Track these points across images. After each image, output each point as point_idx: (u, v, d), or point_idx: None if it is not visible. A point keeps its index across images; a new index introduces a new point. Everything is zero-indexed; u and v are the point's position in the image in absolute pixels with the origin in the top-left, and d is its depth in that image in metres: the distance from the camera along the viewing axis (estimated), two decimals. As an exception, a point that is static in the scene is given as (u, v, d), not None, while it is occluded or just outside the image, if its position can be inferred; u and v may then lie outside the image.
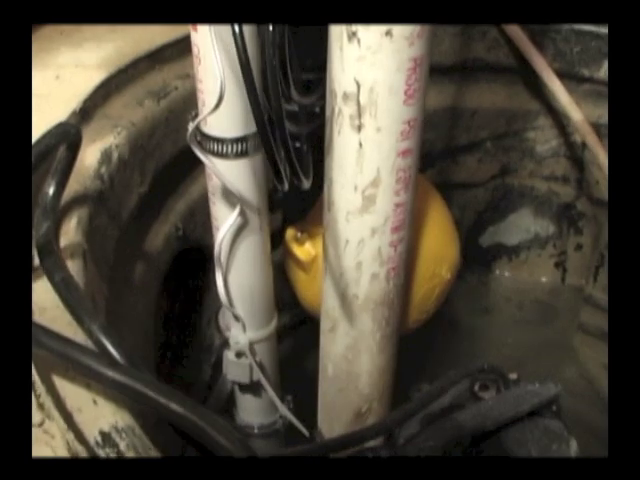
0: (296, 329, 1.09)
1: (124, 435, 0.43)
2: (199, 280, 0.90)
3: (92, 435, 0.43)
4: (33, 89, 0.66)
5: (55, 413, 0.42)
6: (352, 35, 0.56)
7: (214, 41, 0.56)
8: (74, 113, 0.66)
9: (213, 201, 0.71)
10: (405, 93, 0.59)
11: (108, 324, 0.49)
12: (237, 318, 0.80)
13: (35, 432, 0.41)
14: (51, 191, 0.57)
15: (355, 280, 0.70)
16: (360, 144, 0.62)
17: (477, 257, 1.19)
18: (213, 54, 0.56)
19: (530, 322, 1.18)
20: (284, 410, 0.88)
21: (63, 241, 0.57)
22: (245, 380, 0.85)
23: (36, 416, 0.42)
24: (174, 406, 0.39)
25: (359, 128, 0.61)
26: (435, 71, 1.00)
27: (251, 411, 0.92)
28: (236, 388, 0.91)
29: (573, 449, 0.85)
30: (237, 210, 0.69)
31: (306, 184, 0.63)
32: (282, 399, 0.92)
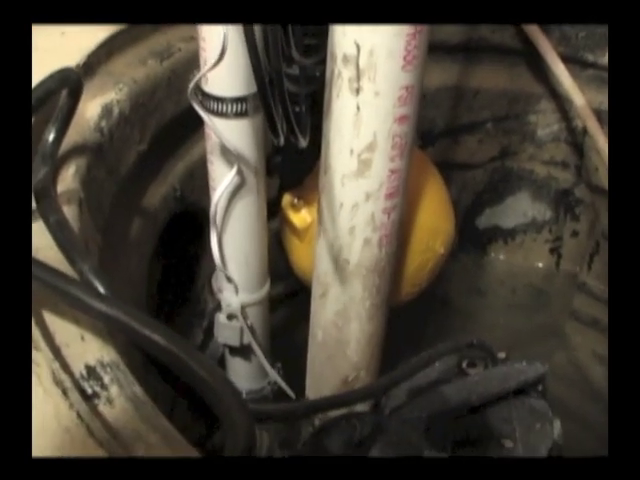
0: (289, 300, 1.10)
1: (109, 370, 0.44)
2: (194, 244, 0.91)
3: (78, 368, 0.44)
4: (37, 43, 0.67)
5: (43, 345, 0.44)
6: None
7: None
8: (77, 67, 0.67)
9: (211, 160, 0.72)
10: (404, 59, 0.60)
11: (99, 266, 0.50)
12: (230, 280, 0.81)
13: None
14: (51, 138, 0.58)
15: (348, 245, 0.71)
16: (358, 107, 0.62)
17: (473, 238, 1.19)
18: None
19: (522, 306, 1.19)
20: (273, 374, 0.89)
21: (60, 188, 0.58)
22: (235, 343, 0.86)
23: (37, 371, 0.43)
24: (157, 337, 0.40)
25: (357, 91, 0.61)
26: (439, 50, 1.01)
27: (240, 376, 0.93)
28: (226, 352, 0.92)
29: (556, 430, 0.86)
30: (234, 170, 0.70)
31: (303, 142, 0.64)
32: (272, 365, 0.94)
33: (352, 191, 0.68)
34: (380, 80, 0.60)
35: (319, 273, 0.77)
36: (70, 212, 0.56)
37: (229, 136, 0.68)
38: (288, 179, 0.84)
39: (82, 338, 0.46)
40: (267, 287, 0.86)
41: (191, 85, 0.62)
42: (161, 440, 0.41)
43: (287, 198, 0.84)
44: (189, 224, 0.88)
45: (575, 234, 1.14)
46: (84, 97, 0.63)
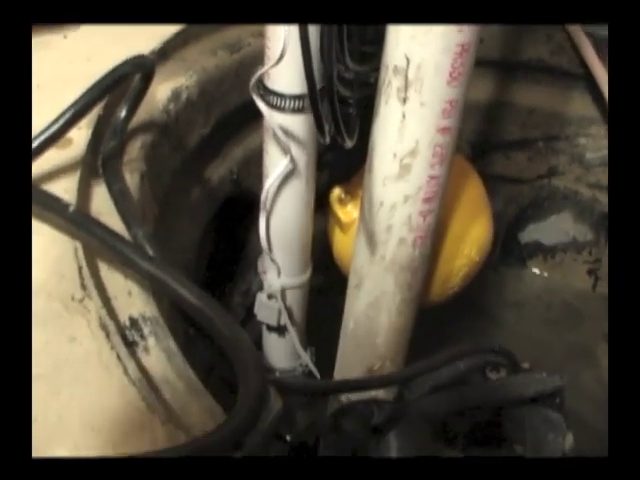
0: (330, 291, 1.15)
1: (149, 323, 0.50)
2: (244, 226, 0.97)
3: (123, 318, 0.50)
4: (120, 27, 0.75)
5: (94, 294, 0.50)
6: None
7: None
8: (153, 52, 0.73)
9: (266, 150, 0.78)
10: (450, 75, 0.64)
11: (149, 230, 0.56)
12: (274, 263, 0.87)
13: (74, 305, 0.49)
14: (122, 114, 0.64)
15: (384, 242, 0.76)
16: (403, 115, 0.67)
17: (514, 252, 1.23)
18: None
19: (556, 323, 1.22)
20: (304, 355, 0.95)
21: (125, 160, 0.64)
22: (273, 322, 0.92)
23: (78, 293, 0.49)
24: (190, 296, 0.45)
25: (404, 100, 0.66)
26: (499, 67, 1.05)
27: (275, 355, 1.00)
28: (265, 331, 0.98)
29: (568, 443, 0.89)
30: (286, 161, 0.76)
31: (349, 143, 0.69)
32: (305, 349, 0.99)
33: (392, 192, 0.72)
34: (426, 92, 0.65)
35: (356, 265, 0.82)
36: (132, 182, 0.63)
37: (285, 130, 0.74)
38: (338, 174, 0.89)
39: (129, 293, 0.52)
40: (308, 273, 0.92)
41: (253, 79, 0.68)
42: (185, 388, 0.46)
43: (335, 192, 0.89)
44: (241, 207, 0.94)
45: (615, 258, 1.16)
46: (157, 80, 0.69)
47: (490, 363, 0.94)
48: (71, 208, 0.51)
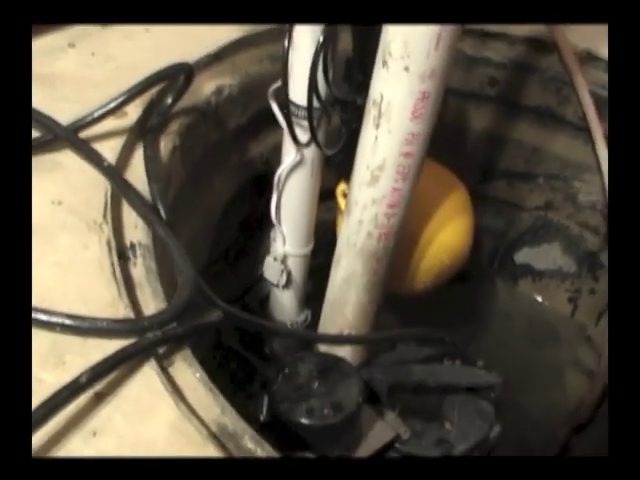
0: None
1: (142, 248, 0.76)
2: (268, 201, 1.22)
3: (125, 241, 0.77)
4: (189, 30, 1.02)
5: (109, 222, 0.77)
6: (384, 63, 0.85)
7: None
8: (208, 55, 1.00)
9: (284, 143, 1.04)
10: (412, 113, 0.87)
11: (164, 188, 0.83)
12: (280, 233, 1.13)
13: (94, 227, 0.76)
14: (168, 101, 0.91)
15: (356, 232, 1.00)
16: (376, 137, 0.90)
17: (509, 269, 1.43)
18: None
19: (536, 339, 1.41)
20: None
21: (164, 135, 0.91)
22: (274, 281, 1.18)
23: (99, 219, 0.76)
24: (162, 233, 0.72)
25: (377, 126, 0.90)
26: (512, 107, 1.26)
27: (278, 309, 1.25)
28: (273, 288, 1.24)
29: (494, 433, 1.10)
30: (295, 152, 1.01)
31: (327, 152, 0.93)
32: (302, 309, 1.25)
33: (364, 195, 0.96)
34: (393, 123, 0.88)
35: (338, 245, 1.06)
36: (164, 152, 0.90)
37: (297, 131, 0.99)
38: (343, 173, 1.13)
39: (135, 226, 0.79)
40: (309, 248, 1.17)
41: (270, 90, 0.93)
42: (151, 292, 0.72)
43: (340, 187, 1.13)
44: (268, 184, 1.19)
45: (592, 292, 1.35)
46: (206, 77, 0.97)
47: (449, 353, 1.17)
48: (105, 163, 0.78)
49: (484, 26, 1.19)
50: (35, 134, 0.83)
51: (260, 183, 1.18)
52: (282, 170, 1.03)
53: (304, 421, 0.94)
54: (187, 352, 0.69)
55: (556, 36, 1.13)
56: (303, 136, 0.99)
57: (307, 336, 1.08)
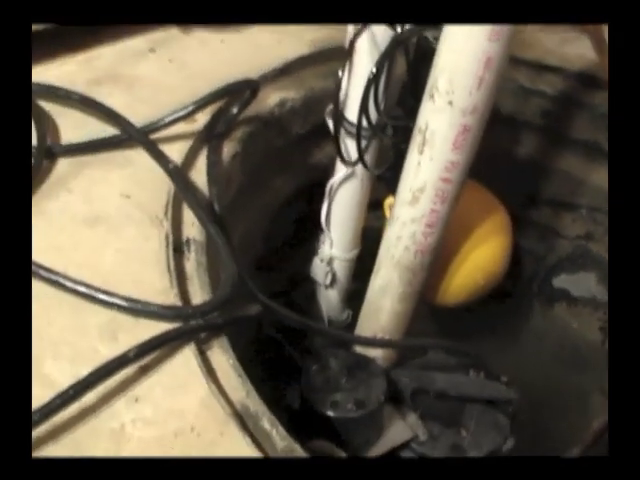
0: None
1: (196, 244, 0.87)
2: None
3: (181, 237, 0.88)
4: (261, 40, 1.13)
5: (170, 218, 0.88)
6: (431, 95, 0.94)
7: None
8: (274, 70, 1.11)
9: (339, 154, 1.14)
10: (453, 144, 0.96)
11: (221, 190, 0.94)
12: (328, 237, 1.23)
13: (156, 221, 0.87)
14: (233, 111, 1.02)
15: (395, 246, 1.09)
16: (419, 162, 0.99)
17: (546, 292, 1.50)
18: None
19: (563, 363, 1.48)
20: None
21: (227, 141, 1.02)
22: (320, 280, 1.29)
23: (160, 215, 0.88)
24: (211, 229, 0.83)
25: (421, 152, 0.99)
26: (562, 139, 1.33)
27: (322, 306, 1.36)
28: (318, 286, 1.34)
29: (507, 446, 1.18)
30: (347, 167, 1.11)
31: (374, 171, 1.03)
32: (344, 309, 1.35)
33: (405, 213, 1.05)
34: (434, 151, 0.97)
35: (379, 255, 1.15)
36: (226, 157, 1.01)
37: (349, 147, 1.09)
38: (391, 188, 1.22)
39: (192, 224, 0.90)
40: (354, 252, 1.26)
41: (327, 109, 1.03)
42: (199, 282, 0.84)
43: (387, 201, 1.23)
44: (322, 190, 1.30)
45: (624, 323, 1.40)
46: (272, 89, 1.08)
47: (475, 366, 1.25)
48: (170, 165, 0.90)
49: (542, 59, 1.26)
50: (113, 132, 0.95)
51: (316, 188, 1.28)
52: (334, 181, 1.13)
53: (328, 413, 1.05)
54: (224, 340, 0.80)
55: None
56: (354, 153, 1.09)
57: (341, 336, 1.17)
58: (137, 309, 0.76)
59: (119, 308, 0.76)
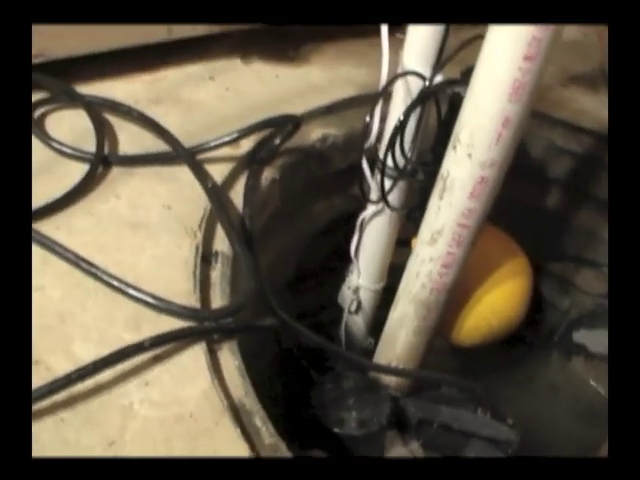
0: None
1: (223, 257, 0.98)
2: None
3: (211, 249, 0.99)
4: (313, 79, 1.24)
5: (202, 231, 0.99)
6: (454, 146, 1.03)
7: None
8: (320, 107, 1.22)
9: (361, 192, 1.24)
10: (470, 193, 1.05)
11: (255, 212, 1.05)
12: (356, 267, 1.33)
13: (189, 233, 0.99)
14: (276, 142, 1.13)
15: (412, 281, 1.19)
16: (439, 207, 1.09)
17: (566, 345, 1.56)
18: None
19: (578, 416, 1.53)
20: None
21: (267, 168, 1.13)
22: (346, 307, 1.39)
23: (194, 227, 0.99)
24: (237, 246, 0.94)
25: (441, 198, 1.08)
26: (591, 200, 1.41)
27: (348, 332, 1.45)
28: (345, 313, 1.44)
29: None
30: (377, 203, 1.21)
31: (398, 210, 1.13)
32: (367, 338, 1.45)
33: (423, 251, 1.14)
34: (454, 198, 1.06)
35: (399, 288, 1.24)
36: (264, 182, 1.12)
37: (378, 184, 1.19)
38: (418, 227, 1.32)
39: (223, 239, 1.01)
40: (380, 285, 1.36)
41: (365, 146, 1.14)
42: (220, 292, 0.95)
43: (414, 239, 1.32)
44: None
45: (637, 384, 1.45)
46: (316, 125, 1.19)
47: (483, 404, 1.33)
48: (209, 184, 1.01)
49: (576, 120, 1.34)
50: (164, 148, 1.07)
51: (353, 219, 1.38)
52: (364, 215, 1.23)
53: (333, 428, 1.15)
54: (234, 344, 0.90)
55: None
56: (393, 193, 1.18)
57: (353, 359, 1.26)
58: (160, 306, 0.87)
59: (145, 303, 0.87)
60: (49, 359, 0.82)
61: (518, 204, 1.46)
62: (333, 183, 1.30)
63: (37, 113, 1.11)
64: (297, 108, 1.18)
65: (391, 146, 1.07)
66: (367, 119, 1.03)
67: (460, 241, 1.11)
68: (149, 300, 0.87)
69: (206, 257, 0.98)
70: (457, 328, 1.31)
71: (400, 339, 1.26)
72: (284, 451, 0.82)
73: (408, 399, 1.30)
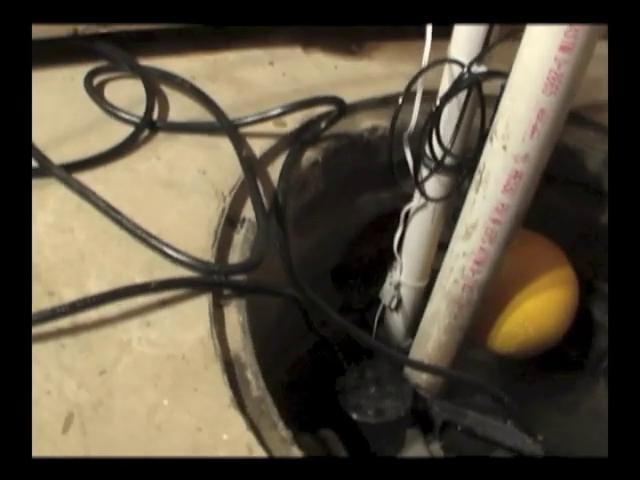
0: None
1: (248, 224, 1.03)
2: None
3: (238, 215, 1.04)
4: (372, 72, 1.27)
5: (230, 197, 1.04)
6: (491, 138, 1.04)
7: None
8: (374, 98, 1.25)
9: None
10: (504, 187, 1.05)
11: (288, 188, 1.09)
12: (399, 263, 1.34)
13: (218, 196, 1.03)
14: (322, 125, 1.17)
15: (447, 276, 1.19)
16: (474, 200, 1.09)
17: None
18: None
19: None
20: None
21: (310, 149, 1.17)
22: (387, 302, 1.40)
23: (225, 192, 1.04)
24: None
25: (477, 191, 1.08)
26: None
27: (389, 328, 1.46)
28: (386, 311, 1.45)
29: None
30: (419, 196, 1.22)
31: (433, 200, 1.14)
32: (406, 337, 1.45)
33: (458, 246, 1.15)
34: (488, 191, 1.06)
35: (435, 284, 1.25)
36: (305, 162, 1.16)
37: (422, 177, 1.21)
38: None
39: (252, 208, 1.05)
40: (422, 283, 1.36)
41: (405, 136, 1.16)
42: (239, 251, 0.99)
43: (459, 241, 1.32)
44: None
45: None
46: (367, 116, 1.22)
47: (514, 417, 1.31)
48: (244, 152, 1.06)
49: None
50: (209, 119, 1.13)
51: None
52: (406, 209, 1.25)
53: (350, 413, 1.16)
54: (243, 301, 0.94)
55: None
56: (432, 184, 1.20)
57: (376, 345, 1.26)
58: (173, 256, 0.91)
59: (161, 252, 0.92)
60: (63, 291, 0.87)
61: (577, 221, 1.45)
62: (381, 177, 1.32)
63: (98, 79, 1.19)
64: (350, 96, 1.21)
65: (427, 135, 1.08)
66: (400, 101, 1.05)
67: (493, 237, 1.11)
68: (165, 249, 0.92)
69: (232, 221, 1.03)
70: (492, 333, 1.30)
71: (432, 337, 1.27)
72: (269, 404, 0.84)
73: (437, 400, 1.30)
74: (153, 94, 1.14)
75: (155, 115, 1.14)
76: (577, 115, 1.35)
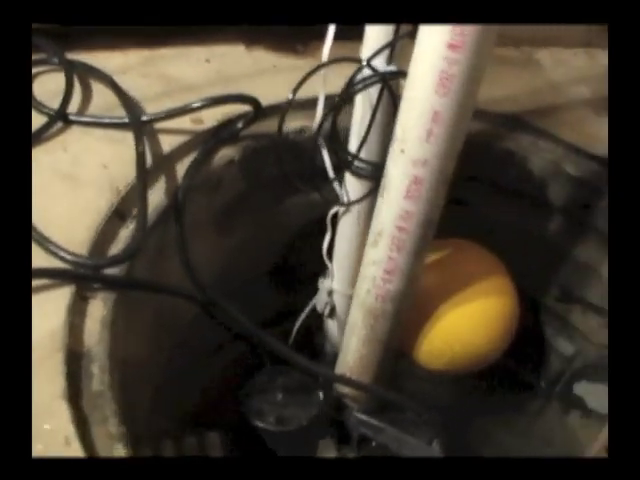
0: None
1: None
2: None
3: (132, 210, 1.05)
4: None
5: (125, 191, 1.05)
6: (393, 142, 1.01)
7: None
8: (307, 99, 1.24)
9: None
10: (406, 193, 1.03)
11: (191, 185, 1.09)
12: (331, 269, 1.32)
13: (113, 190, 1.04)
14: (239, 125, 1.17)
15: (360, 286, 1.17)
16: (380, 207, 1.08)
17: (565, 396, 1.46)
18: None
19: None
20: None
21: (226, 148, 1.17)
22: (319, 309, 1.38)
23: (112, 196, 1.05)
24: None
25: (382, 196, 1.07)
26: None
27: (324, 338, 1.45)
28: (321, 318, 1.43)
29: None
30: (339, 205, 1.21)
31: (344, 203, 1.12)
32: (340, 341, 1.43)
33: (369, 254, 1.13)
34: (389, 198, 1.04)
35: (354, 294, 1.23)
36: (220, 161, 1.16)
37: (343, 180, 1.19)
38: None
39: (149, 203, 1.06)
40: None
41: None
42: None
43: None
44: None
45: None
46: (298, 117, 1.21)
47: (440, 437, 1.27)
48: (140, 149, 1.06)
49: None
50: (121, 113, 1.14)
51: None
52: (332, 213, 1.23)
53: (250, 419, 1.16)
54: (112, 297, 0.94)
55: None
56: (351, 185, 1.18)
57: (280, 349, 1.23)
58: (44, 245, 0.93)
59: (37, 242, 0.93)
60: None
61: (529, 238, 1.41)
62: (312, 179, 1.31)
63: (30, 72, 1.22)
64: (284, 95, 1.19)
65: (320, 130, 1.08)
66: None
67: (400, 246, 1.08)
68: (40, 240, 0.93)
69: (123, 216, 1.03)
70: (418, 349, 1.27)
71: (351, 348, 1.25)
72: (107, 399, 0.85)
73: (357, 414, 1.28)
74: (71, 86, 1.16)
75: (74, 109, 1.15)
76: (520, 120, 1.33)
